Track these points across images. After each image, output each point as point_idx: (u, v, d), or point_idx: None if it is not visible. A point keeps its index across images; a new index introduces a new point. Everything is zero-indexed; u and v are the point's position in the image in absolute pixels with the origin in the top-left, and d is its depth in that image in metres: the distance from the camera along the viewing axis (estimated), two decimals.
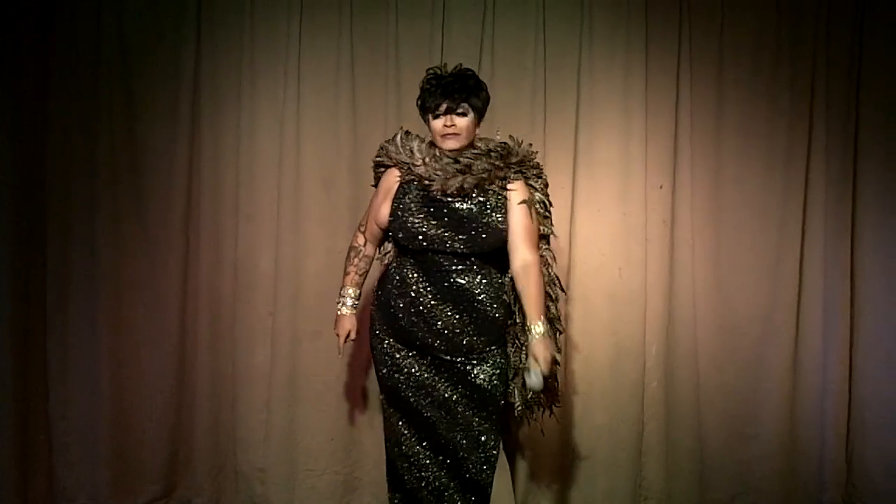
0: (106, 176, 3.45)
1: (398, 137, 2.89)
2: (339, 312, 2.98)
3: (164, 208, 3.51)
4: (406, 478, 2.89)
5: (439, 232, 2.75)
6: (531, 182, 2.85)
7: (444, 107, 2.73)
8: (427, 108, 2.76)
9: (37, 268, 3.47)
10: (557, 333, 2.92)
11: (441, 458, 2.84)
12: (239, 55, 3.48)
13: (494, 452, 2.85)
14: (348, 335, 2.97)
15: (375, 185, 2.98)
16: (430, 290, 2.77)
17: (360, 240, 2.99)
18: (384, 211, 2.86)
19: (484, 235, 2.75)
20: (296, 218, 3.49)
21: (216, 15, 3.47)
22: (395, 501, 2.97)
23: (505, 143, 2.85)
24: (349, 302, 2.96)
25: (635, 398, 3.56)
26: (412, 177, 2.81)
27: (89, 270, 3.46)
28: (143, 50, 3.47)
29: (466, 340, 2.78)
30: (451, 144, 2.76)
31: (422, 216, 2.76)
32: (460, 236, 2.74)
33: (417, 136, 2.90)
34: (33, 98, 3.42)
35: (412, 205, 2.79)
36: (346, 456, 3.57)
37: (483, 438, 2.82)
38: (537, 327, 2.71)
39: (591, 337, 3.55)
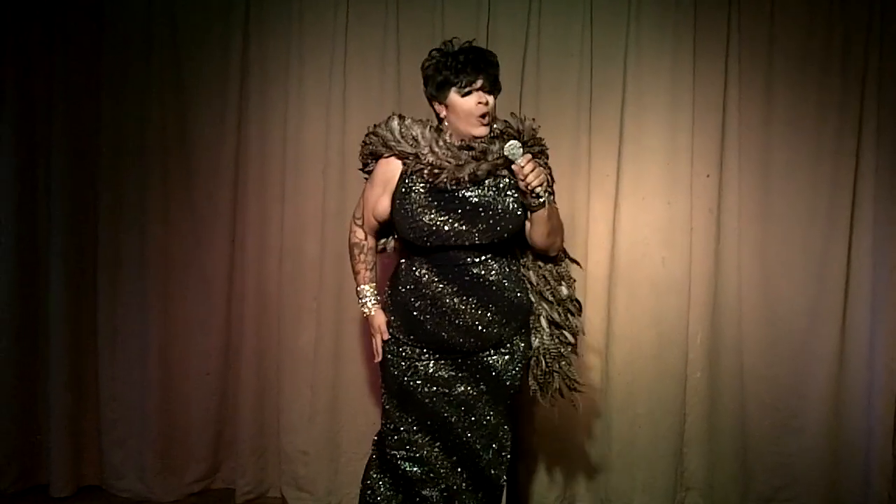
0: (155, 162, 3.52)
1: (394, 124, 2.63)
2: (366, 313, 2.76)
3: (211, 193, 3.56)
4: (415, 480, 2.71)
5: (455, 227, 2.55)
6: (537, 158, 2.63)
7: (479, 83, 2.51)
8: (455, 84, 2.52)
9: (88, 252, 3.56)
10: (573, 314, 2.77)
11: (455, 458, 2.70)
12: (287, 41, 3.51)
13: (508, 446, 2.76)
14: (382, 334, 2.73)
15: (363, 169, 2.80)
16: (450, 288, 2.58)
17: (360, 234, 2.80)
18: (384, 203, 2.67)
19: (502, 223, 2.57)
20: (341, 203, 3.50)
21: (265, 1, 3.50)
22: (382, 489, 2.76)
23: (508, 122, 2.62)
24: (372, 300, 2.75)
25: (678, 388, 3.53)
26: (416, 169, 2.58)
27: (138, 254, 3.54)
28: (192, 38, 3.53)
29: (496, 331, 2.63)
30: (482, 131, 2.55)
31: (433, 212, 2.55)
32: (478, 228, 2.55)
33: (419, 121, 2.67)
34: (86, 86, 3.51)
35: (420, 199, 2.57)
36: None
37: (499, 433, 2.73)
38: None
39: (634, 326, 3.52)
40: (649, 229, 3.49)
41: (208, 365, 3.60)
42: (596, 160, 3.49)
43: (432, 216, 2.55)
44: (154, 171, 3.52)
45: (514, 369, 2.71)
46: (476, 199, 2.57)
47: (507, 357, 2.68)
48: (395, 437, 2.72)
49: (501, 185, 2.60)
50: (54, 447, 3.55)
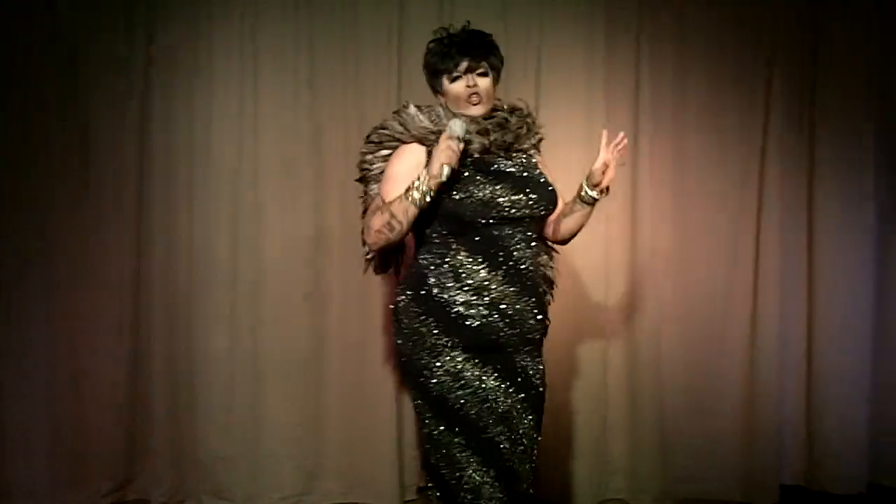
0: (56, 163, 3.36)
1: (412, 109, 2.52)
2: (436, 181, 2.32)
3: (115, 194, 3.42)
4: None
5: (510, 197, 2.42)
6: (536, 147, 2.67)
7: (464, 65, 2.44)
8: (443, 71, 2.46)
9: None
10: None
11: (501, 483, 2.44)
12: (194, 33, 3.40)
13: (535, 459, 2.55)
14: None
15: (362, 169, 2.60)
16: (495, 273, 2.41)
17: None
18: None
19: (546, 194, 2.50)
20: (255, 200, 3.43)
21: None
22: None
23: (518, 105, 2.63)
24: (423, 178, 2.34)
25: (598, 377, 3.57)
26: None
27: (38, 258, 3.36)
28: (91, 37, 3.36)
29: (536, 324, 2.48)
30: (476, 111, 2.47)
31: (485, 185, 2.41)
32: (528, 197, 2.44)
33: (433, 106, 2.56)
34: None
35: (465, 173, 2.41)
36: (311, 442, 3.53)
37: (534, 447, 2.52)
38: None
39: (551, 315, 3.52)
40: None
41: (117, 373, 3.46)
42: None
43: (486, 190, 2.41)
44: (55, 171, 3.35)
45: (544, 376, 2.56)
46: (515, 171, 2.50)
47: (537, 358, 2.54)
48: (457, 475, 2.44)
49: (530, 162, 2.57)
50: None
